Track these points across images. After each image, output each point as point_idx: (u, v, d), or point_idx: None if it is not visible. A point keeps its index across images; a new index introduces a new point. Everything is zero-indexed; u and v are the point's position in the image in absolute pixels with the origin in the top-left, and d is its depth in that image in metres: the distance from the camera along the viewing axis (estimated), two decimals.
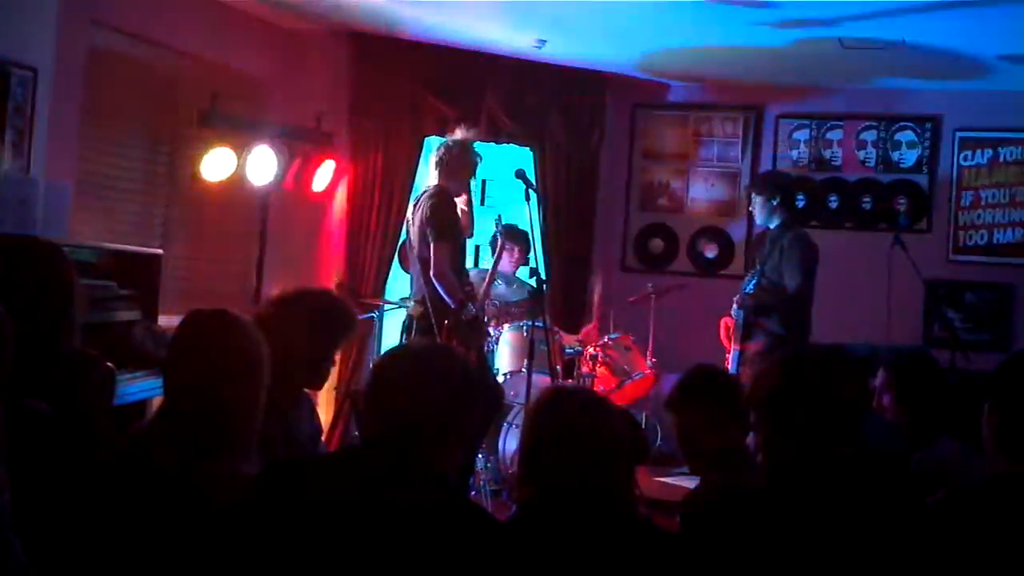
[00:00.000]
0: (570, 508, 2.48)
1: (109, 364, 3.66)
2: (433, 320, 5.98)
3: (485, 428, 5.81)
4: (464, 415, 2.59)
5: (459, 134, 6.43)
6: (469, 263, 7.11)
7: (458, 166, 6.22)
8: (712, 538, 2.78)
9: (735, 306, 6.43)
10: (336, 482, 2.52)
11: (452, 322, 5.98)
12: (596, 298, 8.04)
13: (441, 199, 6.14)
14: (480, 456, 6.93)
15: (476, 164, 6.33)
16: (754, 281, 6.46)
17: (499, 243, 6.86)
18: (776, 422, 2.83)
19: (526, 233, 6.63)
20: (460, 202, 6.45)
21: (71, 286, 3.45)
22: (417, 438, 2.50)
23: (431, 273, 6.00)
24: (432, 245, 6.01)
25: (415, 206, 6.31)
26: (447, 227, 6.04)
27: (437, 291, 6.03)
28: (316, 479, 2.55)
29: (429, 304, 6.03)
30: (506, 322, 7.28)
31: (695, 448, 3.40)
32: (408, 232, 6.39)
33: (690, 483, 5.47)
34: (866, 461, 2.81)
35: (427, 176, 7.87)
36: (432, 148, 6.55)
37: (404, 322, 6.45)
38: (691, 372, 3.49)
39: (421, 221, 6.13)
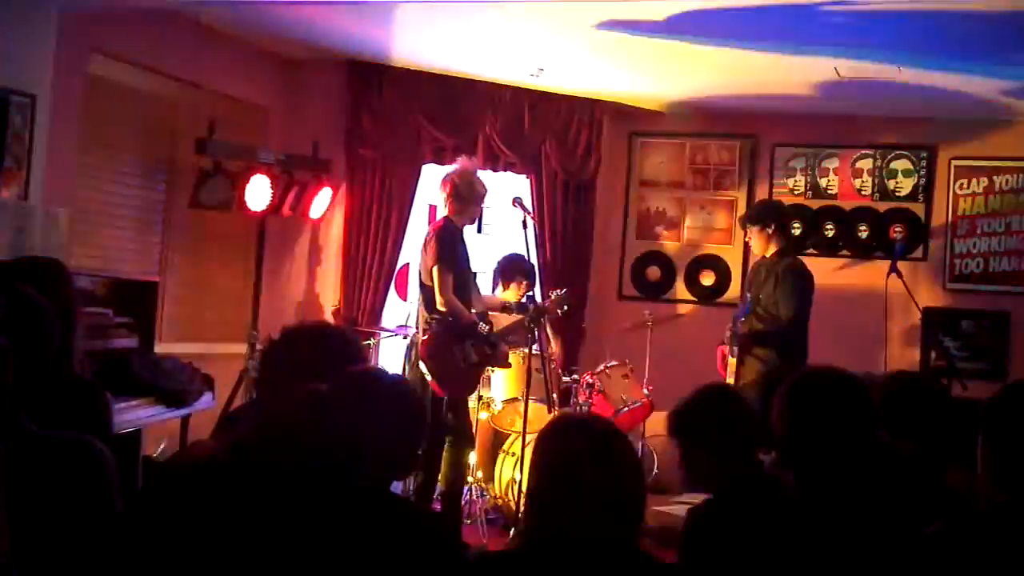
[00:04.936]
0: (576, 540, 2.45)
1: (106, 392, 3.65)
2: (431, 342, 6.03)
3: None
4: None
5: (462, 164, 6.44)
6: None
7: (464, 199, 6.23)
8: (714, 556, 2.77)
9: (728, 334, 6.45)
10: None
11: (470, 342, 6.11)
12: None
13: (444, 232, 6.17)
14: (476, 484, 6.93)
15: (483, 195, 6.34)
16: (747, 310, 6.47)
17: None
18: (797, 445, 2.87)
19: (533, 266, 6.65)
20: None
21: (74, 310, 3.44)
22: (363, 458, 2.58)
23: (439, 304, 6.02)
24: (434, 275, 6.03)
25: (423, 238, 6.34)
26: (446, 257, 6.06)
27: (432, 317, 6.05)
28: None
29: (426, 328, 6.06)
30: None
31: (701, 467, 3.30)
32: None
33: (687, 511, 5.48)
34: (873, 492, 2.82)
35: (426, 205, 7.92)
36: (438, 179, 6.54)
37: (406, 350, 6.49)
38: (701, 390, 3.41)
39: (424, 252, 6.17)
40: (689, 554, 2.97)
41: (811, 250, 8.19)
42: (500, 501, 6.77)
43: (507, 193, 6.98)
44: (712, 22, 6.09)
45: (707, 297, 8.64)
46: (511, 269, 7.21)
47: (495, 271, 7.32)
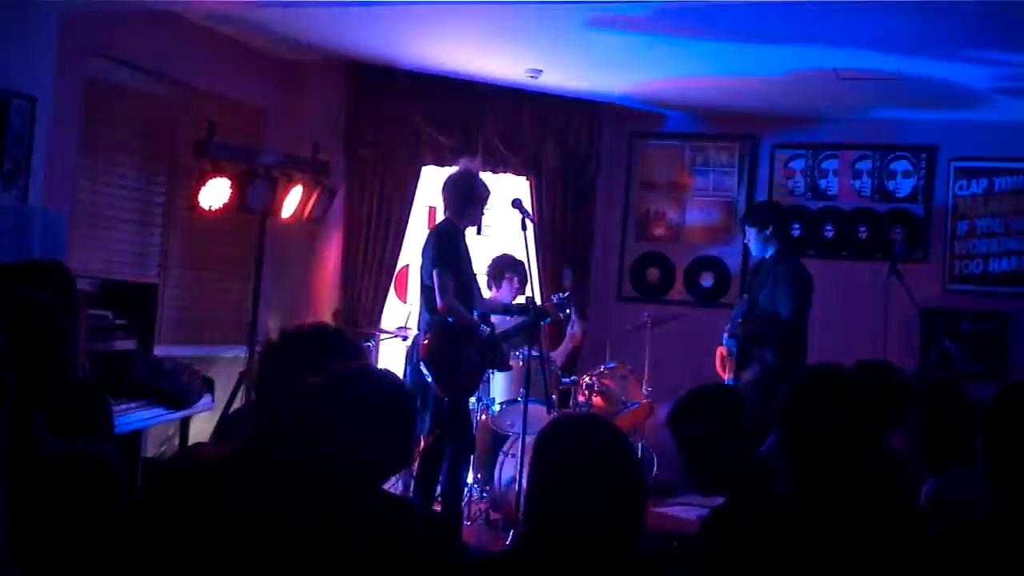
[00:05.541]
0: (576, 542, 2.45)
1: (107, 395, 3.65)
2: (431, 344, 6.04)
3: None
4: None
5: (463, 166, 6.43)
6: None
7: (466, 200, 6.22)
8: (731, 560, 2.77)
9: (726, 335, 6.46)
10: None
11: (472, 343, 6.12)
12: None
13: (444, 232, 6.16)
14: (476, 485, 6.94)
15: (485, 197, 6.33)
16: (743, 310, 6.47)
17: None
18: (798, 444, 2.87)
19: (523, 263, 6.66)
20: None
21: (78, 313, 3.43)
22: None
23: (438, 307, 6.01)
24: (434, 277, 6.02)
25: (424, 240, 6.34)
26: (447, 259, 6.05)
27: (434, 318, 6.05)
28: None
29: (428, 330, 6.06)
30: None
31: (703, 464, 3.31)
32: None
33: (686, 513, 5.47)
34: (875, 491, 2.82)
35: (426, 206, 7.91)
36: (439, 181, 6.54)
37: (408, 352, 6.49)
38: (697, 388, 3.43)
39: (424, 254, 6.16)
40: (702, 561, 2.97)
41: (811, 251, 8.19)
42: (500, 502, 6.77)
43: (506, 195, 6.98)
44: (712, 22, 6.10)
45: (707, 298, 8.65)
46: (498, 266, 7.23)
47: (486, 275, 7.31)
